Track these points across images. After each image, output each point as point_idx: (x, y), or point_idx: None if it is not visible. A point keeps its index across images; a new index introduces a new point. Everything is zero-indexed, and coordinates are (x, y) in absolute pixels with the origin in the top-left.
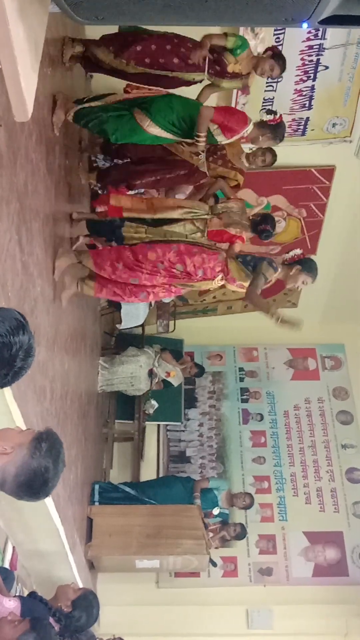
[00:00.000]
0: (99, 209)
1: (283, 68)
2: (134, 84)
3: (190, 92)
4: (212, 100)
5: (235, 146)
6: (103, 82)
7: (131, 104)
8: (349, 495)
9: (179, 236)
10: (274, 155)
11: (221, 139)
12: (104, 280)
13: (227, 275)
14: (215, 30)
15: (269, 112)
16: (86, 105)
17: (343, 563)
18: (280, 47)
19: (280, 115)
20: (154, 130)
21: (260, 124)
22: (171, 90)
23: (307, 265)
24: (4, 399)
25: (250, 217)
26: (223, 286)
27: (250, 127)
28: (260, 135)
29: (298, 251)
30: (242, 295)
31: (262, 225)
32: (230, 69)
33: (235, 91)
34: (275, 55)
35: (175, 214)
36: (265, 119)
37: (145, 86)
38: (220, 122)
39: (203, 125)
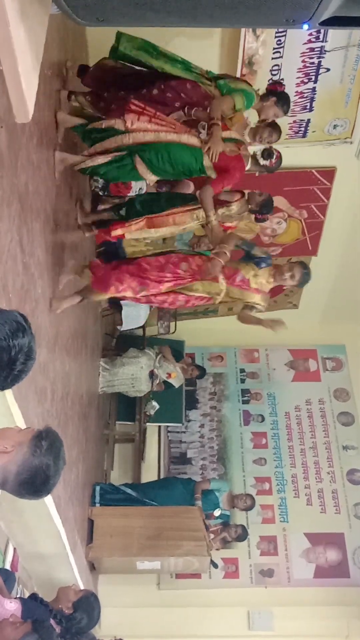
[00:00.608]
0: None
1: (287, 110)
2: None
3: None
4: None
5: (239, 119)
6: None
7: (130, 149)
8: (350, 497)
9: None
10: (279, 132)
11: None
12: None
13: (228, 277)
14: (216, 39)
15: (266, 155)
16: (89, 164)
17: (344, 564)
18: (281, 50)
19: (276, 155)
20: (155, 178)
21: (257, 163)
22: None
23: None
24: (5, 400)
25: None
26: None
27: (248, 167)
28: (257, 170)
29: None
30: (243, 297)
31: (260, 214)
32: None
33: None
34: (279, 99)
35: (176, 230)
36: (262, 163)
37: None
38: (221, 190)
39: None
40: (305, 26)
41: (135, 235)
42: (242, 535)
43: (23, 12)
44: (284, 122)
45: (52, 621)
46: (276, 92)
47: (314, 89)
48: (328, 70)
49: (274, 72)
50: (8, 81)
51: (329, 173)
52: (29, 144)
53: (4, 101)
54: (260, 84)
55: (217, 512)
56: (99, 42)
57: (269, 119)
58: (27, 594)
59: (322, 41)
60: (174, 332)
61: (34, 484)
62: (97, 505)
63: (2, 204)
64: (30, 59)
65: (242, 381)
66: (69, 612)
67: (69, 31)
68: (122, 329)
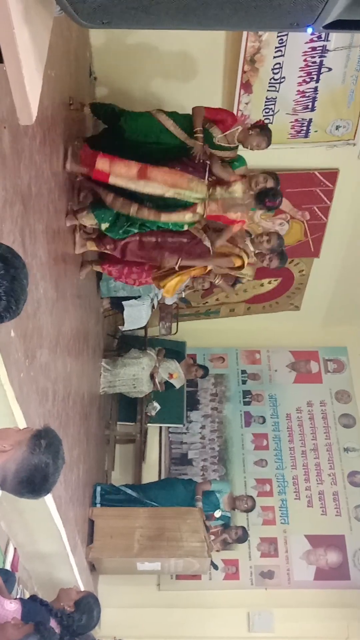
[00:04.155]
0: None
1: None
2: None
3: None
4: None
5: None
6: (107, 86)
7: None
8: (351, 499)
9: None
10: (280, 238)
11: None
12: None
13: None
14: (219, 37)
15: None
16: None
17: (344, 567)
18: (283, 48)
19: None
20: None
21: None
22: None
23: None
24: (6, 400)
25: (255, 192)
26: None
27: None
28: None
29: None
30: (244, 297)
31: (268, 201)
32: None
33: (237, 90)
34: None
35: (168, 192)
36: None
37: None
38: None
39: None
40: (309, 29)
41: (121, 181)
42: (243, 536)
43: (27, 15)
44: (285, 121)
45: (52, 620)
46: (260, 125)
47: (315, 89)
48: (330, 69)
49: (275, 71)
50: (12, 83)
51: (331, 175)
52: (32, 145)
53: (7, 102)
54: (262, 81)
55: (217, 513)
56: (102, 43)
57: (253, 147)
58: (27, 594)
59: (324, 40)
60: (175, 333)
61: (33, 482)
62: (98, 505)
63: (5, 205)
64: (34, 61)
65: (244, 382)
66: (70, 611)
67: (72, 32)
68: (123, 330)
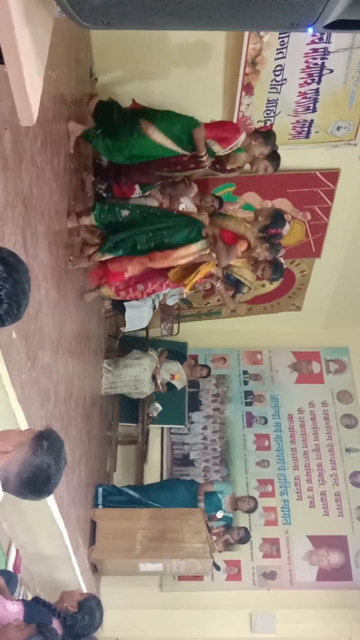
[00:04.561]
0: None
1: (276, 167)
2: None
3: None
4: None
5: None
6: (107, 87)
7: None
8: (353, 499)
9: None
10: (280, 251)
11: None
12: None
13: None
14: (220, 39)
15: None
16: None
17: (347, 567)
18: (284, 50)
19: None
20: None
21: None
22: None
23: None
24: (8, 401)
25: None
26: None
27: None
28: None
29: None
30: (245, 298)
31: (273, 228)
32: (229, 166)
33: (238, 92)
34: (270, 156)
35: (173, 263)
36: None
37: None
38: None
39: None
40: (310, 30)
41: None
42: (245, 537)
43: (28, 16)
44: (287, 122)
45: (55, 621)
46: (264, 133)
47: (317, 90)
48: (331, 71)
49: (276, 72)
50: (13, 85)
51: (332, 175)
52: (33, 146)
53: (8, 103)
54: (264, 83)
55: (219, 514)
56: (103, 44)
57: (260, 171)
58: (29, 596)
59: (325, 42)
60: (177, 334)
61: (35, 483)
62: (100, 506)
63: (6, 206)
64: (34, 62)
65: (245, 383)
66: (73, 611)
67: (73, 33)
68: (125, 331)
